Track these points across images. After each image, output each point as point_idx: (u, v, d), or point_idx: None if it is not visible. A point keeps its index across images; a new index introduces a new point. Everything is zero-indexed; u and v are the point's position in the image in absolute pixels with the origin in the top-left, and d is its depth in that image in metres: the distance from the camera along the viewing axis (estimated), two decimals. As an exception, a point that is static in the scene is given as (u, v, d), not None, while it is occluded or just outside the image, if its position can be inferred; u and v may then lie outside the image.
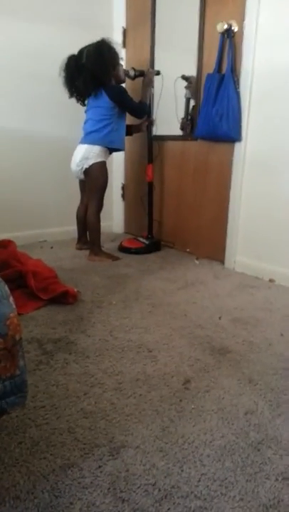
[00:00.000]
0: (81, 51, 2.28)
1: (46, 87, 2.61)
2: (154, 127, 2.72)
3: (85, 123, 2.46)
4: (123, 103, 2.38)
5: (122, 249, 2.69)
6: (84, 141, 2.43)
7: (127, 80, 2.59)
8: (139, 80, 2.56)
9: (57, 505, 0.81)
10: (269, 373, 1.29)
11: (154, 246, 2.73)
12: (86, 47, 2.27)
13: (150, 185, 2.71)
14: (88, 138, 2.41)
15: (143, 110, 2.50)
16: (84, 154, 2.40)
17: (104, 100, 2.33)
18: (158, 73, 2.57)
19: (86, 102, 2.44)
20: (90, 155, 2.38)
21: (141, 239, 2.76)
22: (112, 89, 2.34)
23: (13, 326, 0.75)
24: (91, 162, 2.39)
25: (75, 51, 2.29)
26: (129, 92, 2.44)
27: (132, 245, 2.70)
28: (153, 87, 2.59)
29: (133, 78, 2.55)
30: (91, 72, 2.25)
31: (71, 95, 2.39)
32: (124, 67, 2.87)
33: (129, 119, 2.58)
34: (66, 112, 2.65)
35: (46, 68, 2.46)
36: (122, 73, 2.42)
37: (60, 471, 0.89)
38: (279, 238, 2.12)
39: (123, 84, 2.47)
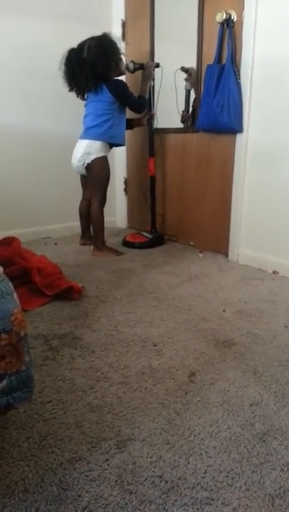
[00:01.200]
0: (82, 45, 2.26)
1: (45, 82, 2.60)
2: (154, 120, 2.70)
3: (84, 117, 2.45)
4: (124, 98, 2.37)
5: (126, 243, 2.69)
6: (85, 136, 2.42)
7: (127, 73, 2.58)
8: (139, 73, 2.55)
9: (65, 498, 0.82)
10: (274, 365, 1.30)
11: (157, 240, 2.73)
12: (87, 40, 2.25)
13: (152, 179, 2.71)
14: (89, 133, 2.40)
15: (143, 105, 2.49)
16: (85, 149, 2.39)
17: (105, 95, 2.32)
18: (157, 66, 2.56)
19: (86, 96, 2.43)
20: (91, 150, 2.38)
21: (144, 233, 2.76)
22: (113, 83, 2.33)
23: (18, 321, 0.76)
24: (93, 157, 2.39)
25: (74, 45, 2.27)
26: (129, 86, 2.43)
27: (136, 240, 2.70)
28: (153, 79, 2.57)
29: (133, 71, 2.54)
30: (93, 68, 2.24)
31: (71, 89, 2.37)
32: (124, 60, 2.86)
33: (130, 113, 2.57)
34: (66, 107, 2.65)
35: (44, 63, 2.46)
36: (123, 67, 2.41)
37: (67, 465, 0.90)
38: (282, 230, 2.11)
39: (123, 77, 2.45)
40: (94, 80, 2.29)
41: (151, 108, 2.66)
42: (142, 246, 2.65)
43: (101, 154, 2.40)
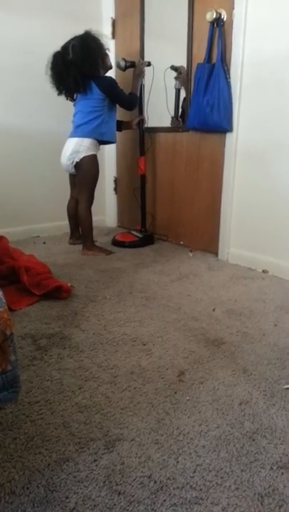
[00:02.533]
0: (66, 46, 2.24)
1: (34, 80, 2.58)
2: (145, 124, 2.68)
3: (74, 116, 2.43)
4: (113, 95, 2.36)
5: (116, 243, 2.68)
6: (74, 134, 2.40)
7: (118, 71, 2.56)
8: (130, 71, 2.54)
9: (52, 500, 0.81)
10: (263, 363, 1.30)
11: (147, 239, 2.72)
12: (70, 41, 2.23)
13: (143, 178, 2.70)
14: (78, 131, 2.38)
15: (133, 101, 2.48)
16: (74, 148, 2.37)
17: (94, 92, 2.31)
18: (149, 64, 2.55)
19: (75, 96, 2.41)
20: (80, 148, 2.36)
21: (134, 232, 2.75)
22: (102, 80, 2.32)
23: (3, 320, 0.74)
24: (82, 155, 2.37)
25: (63, 43, 2.26)
26: (120, 83, 2.41)
27: (126, 239, 2.69)
28: (144, 77, 2.57)
29: (124, 69, 2.53)
30: (80, 68, 2.22)
31: (60, 93, 2.36)
32: (113, 58, 2.85)
33: (120, 115, 2.56)
34: (55, 106, 2.62)
35: (34, 61, 2.43)
36: (109, 62, 2.39)
37: (55, 466, 0.89)
38: (272, 229, 2.12)
39: (112, 74, 2.44)
40: (83, 80, 2.28)
41: (142, 112, 2.64)
42: (131, 245, 2.64)
43: (90, 153, 2.38)
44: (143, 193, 2.73)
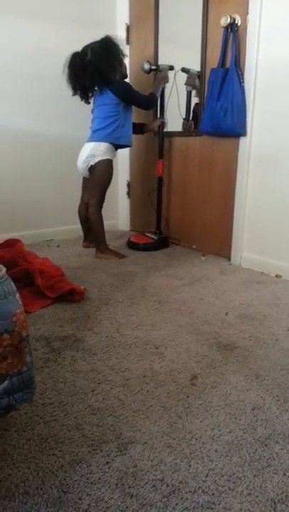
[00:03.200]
0: (85, 49, 2.28)
1: (48, 87, 2.62)
2: (166, 127, 2.68)
3: (92, 122, 2.46)
4: (129, 98, 2.39)
5: (131, 244, 2.68)
6: (91, 139, 2.43)
7: (136, 75, 2.57)
8: (145, 75, 2.55)
9: (66, 501, 0.82)
10: (276, 369, 1.29)
11: (162, 242, 2.71)
12: (90, 44, 2.27)
13: (160, 180, 2.70)
14: (95, 135, 2.41)
15: (151, 101, 2.48)
16: (91, 152, 2.40)
17: (109, 97, 2.33)
18: (172, 68, 2.56)
19: (90, 100, 2.44)
20: (96, 152, 2.39)
21: (149, 234, 2.74)
22: (115, 84, 2.34)
23: (20, 322, 0.75)
24: (97, 159, 2.39)
25: (78, 49, 2.29)
26: (140, 87, 2.43)
27: (141, 241, 2.69)
28: (167, 82, 2.57)
29: (148, 72, 2.54)
30: (97, 68, 2.25)
31: (75, 92, 2.39)
32: (127, 63, 2.87)
33: (141, 117, 2.57)
34: (69, 112, 2.66)
35: (48, 67, 2.46)
36: (125, 69, 2.42)
37: (68, 467, 0.90)
38: (285, 233, 2.11)
39: (128, 79, 2.46)
40: (99, 81, 2.30)
41: (163, 115, 2.64)
42: (146, 247, 2.64)
43: (106, 157, 2.40)
44: (159, 196, 2.73)
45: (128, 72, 2.90)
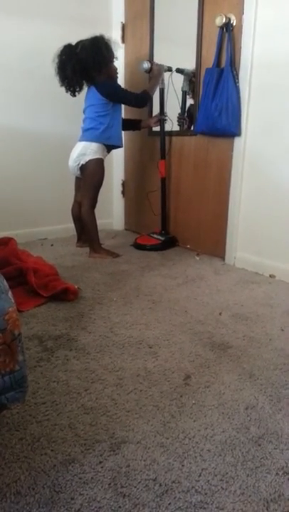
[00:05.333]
0: (78, 42, 2.27)
1: (43, 84, 2.60)
2: (166, 123, 2.66)
3: (83, 121, 2.45)
4: (118, 97, 2.37)
5: (137, 246, 2.66)
6: (82, 138, 2.42)
7: (137, 72, 2.55)
8: (139, 78, 2.55)
9: (58, 501, 0.81)
10: (269, 368, 1.29)
11: (170, 242, 2.70)
12: (84, 40, 2.26)
13: (163, 181, 2.68)
14: (85, 135, 2.40)
15: (140, 99, 2.44)
16: (81, 151, 2.39)
17: (97, 98, 2.33)
18: (169, 69, 2.55)
19: (77, 93, 2.39)
20: (87, 151, 2.38)
21: (155, 235, 2.73)
22: (102, 86, 2.33)
23: (12, 320, 0.75)
24: (88, 158, 2.38)
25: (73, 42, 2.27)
26: (136, 86, 2.41)
27: (148, 242, 2.67)
28: (163, 80, 2.56)
29: (148, 71, 2.53)
30: (81, 64, 2.24)
31: (62, 84, 2.34)
32: (122, 62, 2.87)
33: (137, 114, 2.55)
34: (65, 109, 2.65)
35: (43, 65, 2.44)
36: (114, 72, 2.40)
37: (61, 467, 0.89)
38: (279, 233, 2.11)
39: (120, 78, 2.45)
40: (81, 75, 2.29)
41: (163, 112, 2.62)
42: (153, 248, 2.62)
43: (97, 156, 2.39)
44: (164, 196, 2.71)
45: (123, 71, 2.90)
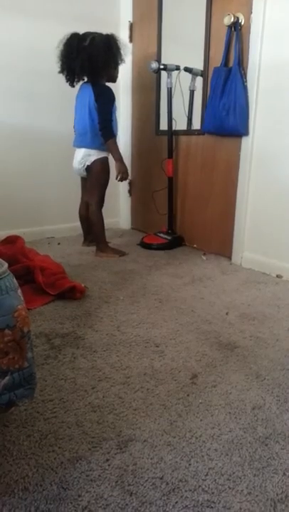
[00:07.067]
0: (86, 34, 2.23)
1: (49, 83, 2.61)
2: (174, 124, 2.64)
3: (77, 121, 2.43)
4: (101, 102, 2.30)
5: (144, 245, 2.66)
6: (81, 144, 2.42)
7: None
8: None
9: (65, 498, 0.81)
10: (276, 369, 1.29)
11: (176, 241, 2.70)
12: (93, 33, 2.23)
13: (170, 180, 2.68)
14: (84, 140, 2.40)
15: (108, 127, 2.32)
16: (86, 151, 2.39)
17: (91, 99, 2.31)
18: (178, 68, 2.52)
19: (75, 84, 2.37)
20: (91, 152, 2.38)
21: (162, 234, 2.73)
22: (100, 86, 2.32)
23: (21, 318, 0.75)
24: (93, 158, 2.39)
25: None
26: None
27: (154, 241, 2.67)
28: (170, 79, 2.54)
29: (157, 71, 2.52)
30: (91, 59, 2.21)
31: (62, 72, 2.32)
32: (130, 62, 2.87)
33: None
34: (69, 109, 2.64)
35: (49, 64, 2.45)
36: (117, 73, 2.39)
37: (68, 464, 0.90)
38: (286, 234, 2.10)
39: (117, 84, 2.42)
40: (88, 71, 2.28)
41: (170, 116, 2.57)
42: (160, 247, 2.62)
43: (102, 155, 2.40)
44: (170, 196, 2.71)
45: (131, 70, 2.90)
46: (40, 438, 0.97)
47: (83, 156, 2.41)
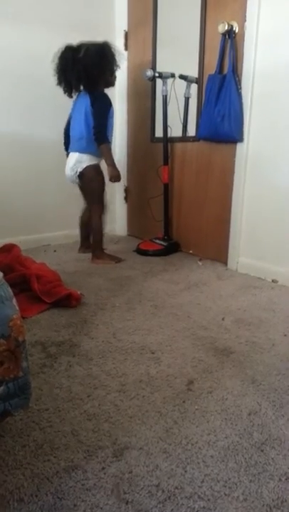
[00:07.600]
0: (80, 46, 2.26)
1: (45, 91, 2.62)
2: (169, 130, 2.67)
3: (72, 127, 2.45)
4: (96, 110, 2.31)
5: (140, 251, 2.67)
6: (75, 149, 2.43)
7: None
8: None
9: (61, 507, 0.81)
10: (272, 374, 1.29)
11: (172, 247, 2.70)
12: (87, 44, 2.25)
13: (166, 186, 2.69)
14: (79, 146, 2.41)
15: (102, 135, 2.34)
16: (78, 158, 2.41)
17: (88, 105, 2.33)
18: (172, 76, 2.55)
19: (73, 94, 2.40)
20: (83, 158, 2.40)
21: (157, 241, 2.74)
22: (96, 96, 2.33)
23: (16, 327, 0.75)
24: (85, 165, 2.40)
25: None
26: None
27: (150, 247, 2.68)
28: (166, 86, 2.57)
29: (152, 79, 2.54)
30: (86, 70, 2.24)
31: (59, 84, 2.35)
32: (125, 69, 2.89)
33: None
34: (66, 116, 2.66)
35: (45, 72, 2.47)
36: (114, 79, 2.41)
37: (63, 473, 0.89)
38: (282, 239, 2.12)
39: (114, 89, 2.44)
40: (85, 82, 2.30)
41: (166, 122, 2.58)
42: (156, 254, 2.63)
43: (94, 162, 2.41)
44: (166, 202, 2.72)
45: (126, 77, 2.92)
46: (35, 448, 0.97)
47: (75, 163, 2.41)
